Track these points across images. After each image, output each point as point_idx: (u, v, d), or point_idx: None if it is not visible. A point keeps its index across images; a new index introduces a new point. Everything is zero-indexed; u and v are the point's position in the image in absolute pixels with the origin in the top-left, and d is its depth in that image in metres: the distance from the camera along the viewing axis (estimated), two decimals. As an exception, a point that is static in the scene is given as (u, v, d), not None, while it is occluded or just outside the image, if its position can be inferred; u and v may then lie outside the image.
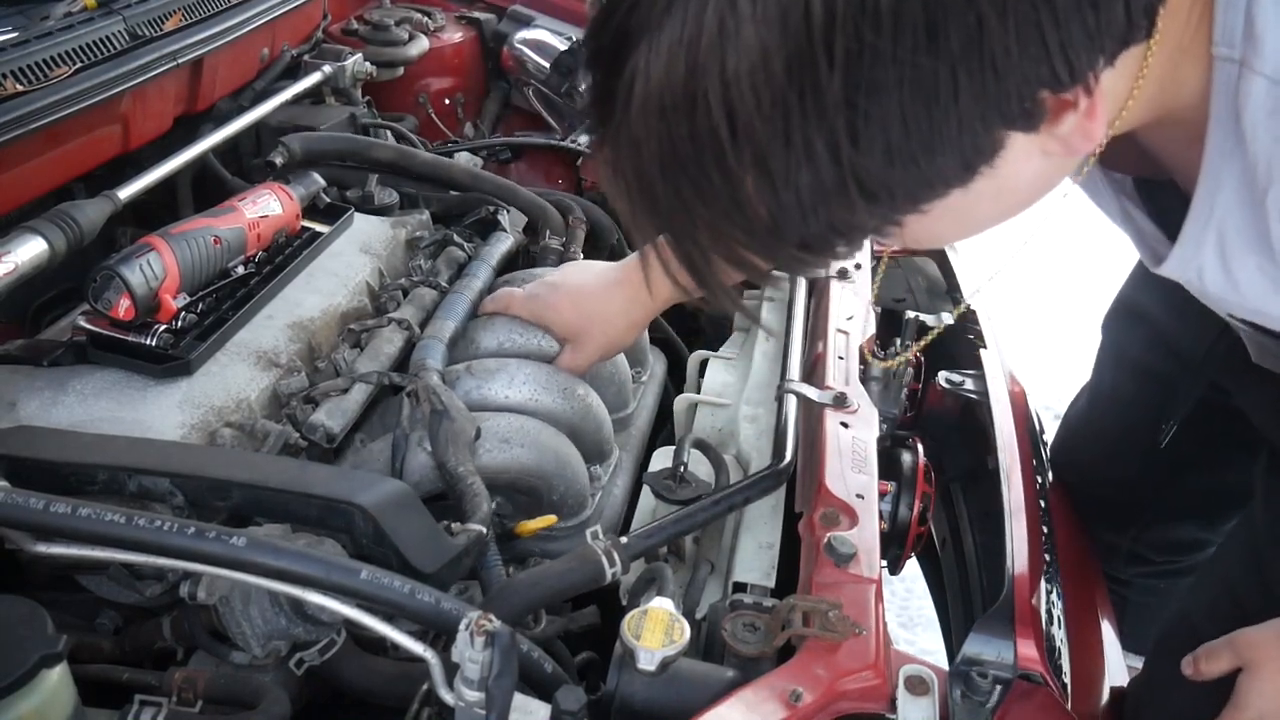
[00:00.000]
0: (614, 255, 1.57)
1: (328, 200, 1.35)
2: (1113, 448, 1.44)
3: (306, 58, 1.70)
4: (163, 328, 1.02)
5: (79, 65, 1.19)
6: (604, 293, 1.17)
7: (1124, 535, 1.48)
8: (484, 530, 0.89)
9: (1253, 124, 0.65)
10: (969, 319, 1.42)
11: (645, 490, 1.13)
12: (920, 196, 0.62)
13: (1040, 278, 3.53)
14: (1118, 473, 1.43)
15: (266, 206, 1.18)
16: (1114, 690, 1.13)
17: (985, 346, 1.37)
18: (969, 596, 1.25)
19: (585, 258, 1.45)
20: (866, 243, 1.49)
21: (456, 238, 1.36)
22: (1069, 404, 1.57)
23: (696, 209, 0.61)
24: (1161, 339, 1.30)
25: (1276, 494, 1.10)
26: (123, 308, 0.98)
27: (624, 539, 0.90)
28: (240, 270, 1.14)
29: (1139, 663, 1.23)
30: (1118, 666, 1.20)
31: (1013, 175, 0.64)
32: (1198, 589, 1.24)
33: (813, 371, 1.21)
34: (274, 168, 1.37)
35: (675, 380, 1.44)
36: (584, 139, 1.73)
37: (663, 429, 1.36)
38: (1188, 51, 0.67)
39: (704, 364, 1.36)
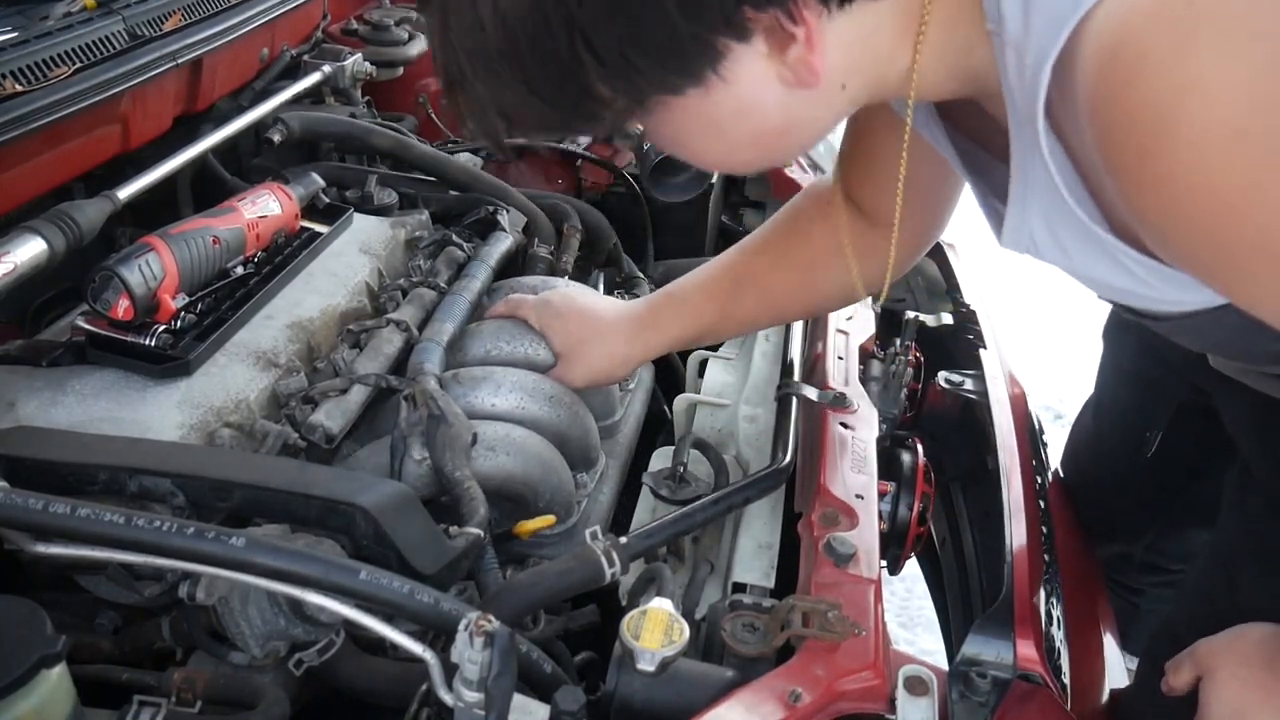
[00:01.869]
0: (610, 260, 1.57)
1: (327, 200, 1.35)
2: (1115, 457, 1.44)
3: (306, 58, 1.70)
4: (162, 328, 1.02)
5: (78, 65, 1.19)
6: (612, 320, 1.16)
7: (1137, 545, 1.48)
8: (481, 534, 0.89)
9: (1011, 90, 0.69)
10: (969, 319, 1.42)
11: (645, 490, 1.13)
12: (647, 78, 0.68)
13: (1040, 277, 3.53)
14: (1123, 482, 1.43)
15: (265, 207, 1.18)
16: (1112, 693, 1.13)
17: (985, 346, 1.37)
18: (969, 596, 1.26)
19: (582, 263, 1.45)
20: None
21: (456, 238, 1.36)
22: (1076, 416, 1.56)
23: (457, 36, 0.68)
24: (1150, 345, 1.30)
25: (1244, 501, 1.09)
26: (122, 308, 0.98)
27: (623, 539, 0.90)
28: (240, 270, 1.14)
29: None
30: (1117, 667, 1.20)
31: (752, 96, 0.70)
32: (1179, 598, 1.24)
33: (812, 371, 1.21)
34: (272, 145, 1.37)
35: (665, 385, 1.43)
36: (583, 140, 1.73)
37: (653, 435, 1.36)
38: (967, 25, 0.71)
39: (703, 364, 1.36)
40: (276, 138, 1.36)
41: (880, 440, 1.09)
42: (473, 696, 0.67)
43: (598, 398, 1.22)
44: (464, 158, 1.63)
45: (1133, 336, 1.35)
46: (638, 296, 1.47)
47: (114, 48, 1.25)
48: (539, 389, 1.11)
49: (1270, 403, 0.98)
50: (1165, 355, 1.27)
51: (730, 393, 1.29)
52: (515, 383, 1.10)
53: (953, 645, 1.27)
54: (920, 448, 1.17)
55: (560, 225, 1.48)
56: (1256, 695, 0.84)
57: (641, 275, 1.58)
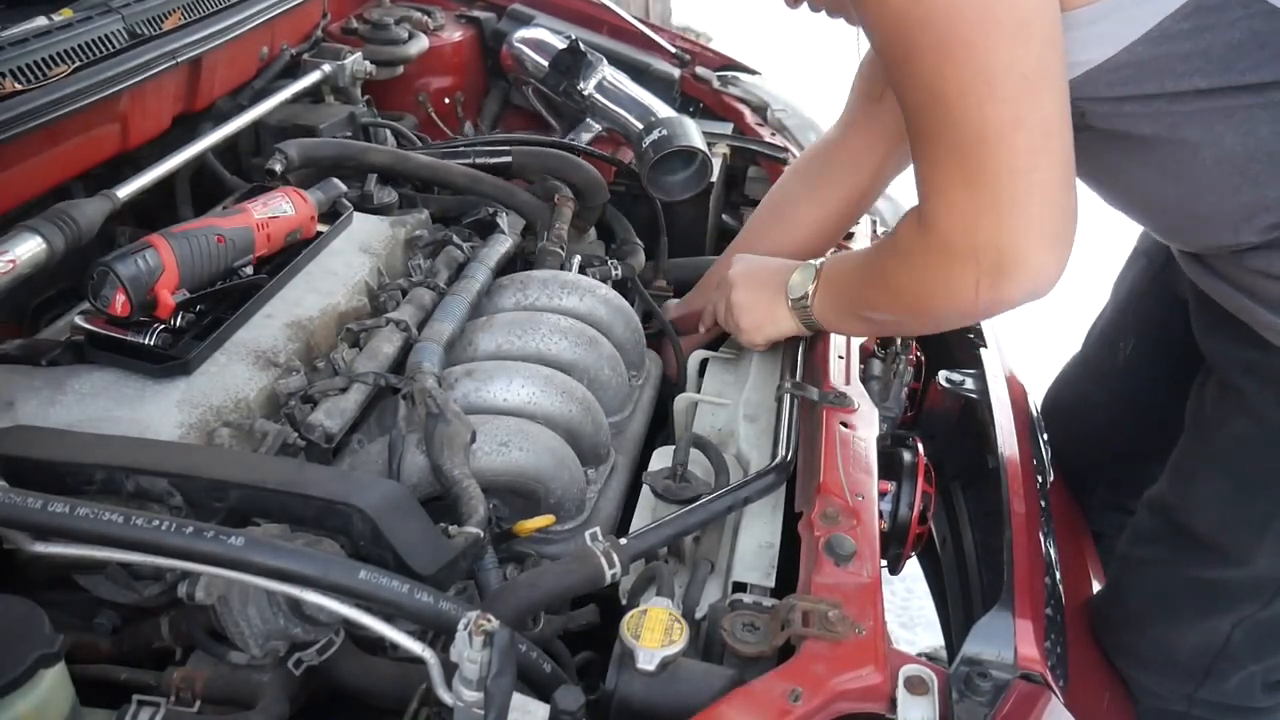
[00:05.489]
0: (603, 220, 1.61)
1: (350, 206, 1.34)
2: (1095, 380, 1.45)
3: (306, 56, 1.70)
4: (161, 327, 1.02)
5: (77, 64, 1.19)
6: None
7: (1102, 478, 1.48)
8: (480, 533, 0.89)
9: None
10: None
11: (645, 489, 1.12)
12: None
13: (1040, 277, 3.52)
14: (1103, 403, 1.43)
15: (277, 208, 1.17)
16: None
17: (985, 345, 1.37)
18: (969, 596, 1.25)
19: (576, 218, 1.49)
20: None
21: (455, 238, 1.36)
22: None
23: None
24: (1152, 267, 1.33)
25: (1198, 413, 1.12)
26: (119, 303, 0.98)
27: (623, 540, 0.90)
28: (249, 270, 1.13)
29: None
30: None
31: None
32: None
33: (813, 371, 1.21)
34: (274, 175, 1.36)
35: (666, 384, 1.43)
36: (584, 135, 1.73)
37: (659, 431, 1.36)
38: None
39: (704, 363, 1.36)
40: (278, 167, 1.36)
41: (880, 439, 1.09)
42: (472, 696, 0.67)
43: (608, 393, 1.22)
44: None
45: (1139, 264, 1.36)
46: (631, 265, 1.49)
47: (113, 46, 1.25)
48: (551, 384, 1.11)
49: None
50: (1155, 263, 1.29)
51: (730, 392, 1.29)
52: (528, 378, 1.10)
53: (953, 645, 1.27)
54: (920, 447, 1.17)
55: (552, 200, 1.50)
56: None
57: (639, 241, 1.59)
